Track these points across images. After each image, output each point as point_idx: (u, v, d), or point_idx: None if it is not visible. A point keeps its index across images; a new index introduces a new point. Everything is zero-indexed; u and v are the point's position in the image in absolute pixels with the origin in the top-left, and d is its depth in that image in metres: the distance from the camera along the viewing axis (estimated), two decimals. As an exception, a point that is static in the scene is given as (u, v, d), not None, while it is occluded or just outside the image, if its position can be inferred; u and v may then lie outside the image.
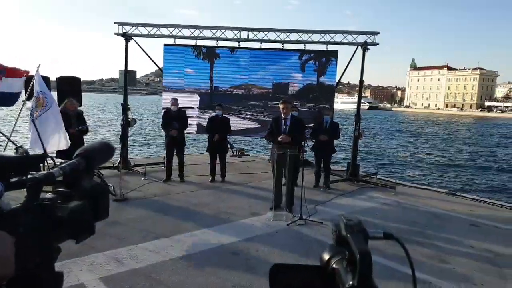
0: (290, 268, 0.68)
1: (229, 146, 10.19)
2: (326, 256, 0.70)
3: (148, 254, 4.57)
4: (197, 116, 10.04)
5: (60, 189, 0.80)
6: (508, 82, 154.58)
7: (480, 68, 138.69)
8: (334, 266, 0.66)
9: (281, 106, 6.54)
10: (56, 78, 8.43)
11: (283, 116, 6.49)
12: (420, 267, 4.45)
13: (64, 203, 0.77)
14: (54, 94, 8.20)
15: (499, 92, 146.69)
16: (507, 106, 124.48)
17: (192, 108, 9.95)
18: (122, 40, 9.33)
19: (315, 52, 9.78)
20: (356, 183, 8.93)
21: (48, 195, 0.79)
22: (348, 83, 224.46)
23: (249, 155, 12.83)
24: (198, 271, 4.16)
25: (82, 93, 9.02)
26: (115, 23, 9.26)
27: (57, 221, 0.73)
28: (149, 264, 4.29)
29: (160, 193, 7.40)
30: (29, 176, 0.74)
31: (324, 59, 9.76)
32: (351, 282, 0.58)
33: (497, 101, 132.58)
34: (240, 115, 10.12)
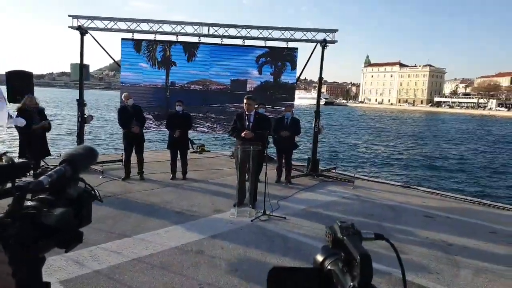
0: (287, 270, 0.69)
1: (189, 142, 10.08)
2: (320, 258, 0.72)
3: (110, 254, 4.45)
4: (150, 127, 9.86)
5: (42, 196, 0.77)
6: (455, 79, 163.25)
7: (430, 65, 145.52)
8: (329, 267, 0.69)
9: (244, 101, 6.56)
10: (6, 73, 7.96)
11: (246, 113, 6.51)
12: (379, 259, 4.61)
13: (49, 210, 0.75)
14: (3, 89, 7.76)
15: (447, 88, 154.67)
16: (454, 102, 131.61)
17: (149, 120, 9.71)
18: (74, 32, 8.93)
19: (273, 53, 9.82)
20: (316, 178, 9.12)
21: (30, 203, 0.76)
22: (305, 79, 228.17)
23: (209, 151, 12.76)
24: (163, 271, 4.11)
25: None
26: (69, 15, 8.87)
27: (45, 229, 0.70)
28: (111, 265, 4.18)
29: (119, 192, 7.21)
30: (16, 184, 0.71)
31: (280, 64, 9.84)
32: (351, 283, 0.60)
33: (445, 97, 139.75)
34: (198, 127, 10.01)
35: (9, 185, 0.73)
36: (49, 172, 0.75)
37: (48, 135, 7.61)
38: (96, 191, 0.84)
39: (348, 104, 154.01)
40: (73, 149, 0.84)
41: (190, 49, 9.80)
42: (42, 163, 6.84)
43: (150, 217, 5.84)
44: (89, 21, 9.00)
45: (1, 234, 0.64)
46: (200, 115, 9.94)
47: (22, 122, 6.52)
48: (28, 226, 0.68)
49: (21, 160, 0.75)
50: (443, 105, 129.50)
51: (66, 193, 0.77)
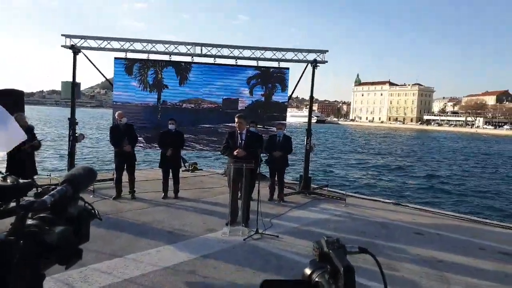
0: (278, 283, 0.74)
1: (181, 160, 10.08)
2: (308, 271, 0.76)
3: (100, 275, 4.41)
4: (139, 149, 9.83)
5: (43, 215, 0.81)
6: (443, 97, 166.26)
7: (419, 84, 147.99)
8: (316, 279, 0.73)
9: (235, 120, 6.63)
10: (-4, 91, 7.96)
11: (238, 131, 6.58)
12: (372, 276, 4.64)
13: (50, 229, 0.78)
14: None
15: (436, 106, 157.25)
16: (443, 120, 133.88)
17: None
18: (65, 50, 8.98)
19: (264, 74, 9.91)
20: (308, 196, 9.16)
21: (31, 221, 0.79)
22: (297, 97, 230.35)
23: (202, 169, 12.74)
24: (154, 291, 4.08)
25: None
26: (62, 35, 8.94)
27: (47, 247, 0.74)
28: (101, 286, 4.14)
29: (110, 211, 7.16)
30: (20, 203, 0.74)
31: (270, 85, 9.96)
32: (336, 294, 0.65)
33: (434, 115, 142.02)
34: (187, 148, 10.02)
35: (12, 204, 0.77)
36: (52, 192, 0.78)
37: (37, 154, 7.58)
38: (95, 210, 0.88)
39: (339, 122, 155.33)
40: (74, 170, 0.88)
41: (182, 72, 9.84)
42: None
43: (141, 237, 5.80)
44: (82, 40, 9.08)
45: (6, 251, 0.67)
46: (191, 136, 9.92)
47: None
48: (31, 244, 0.71)
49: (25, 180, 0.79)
50: (432, 123, 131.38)
51: (67, 212, 0.81)
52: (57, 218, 0.81)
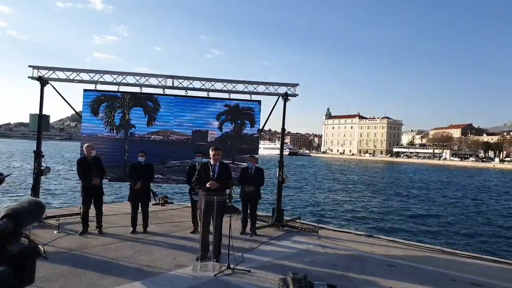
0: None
1: (151, 194, 9.80)
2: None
3: (61, 317, 4.14)
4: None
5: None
6: (411, 130, 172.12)
7: (387, 118, 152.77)
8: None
9: (212, 152, 6.54)
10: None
11: (212, 163, 6.50)
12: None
13: (-15, 270, 0.70)
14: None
15: (404, 139, 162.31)
16: (411, 152, 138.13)
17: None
18: (34, 82, 8.77)
19: (233, 111, 9.95)
20: (281, 228, 9.05)
21: (-35, 263, 0.70)
22: (270, 130, 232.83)
23: (172, 203, 12.46)
24: (119, 333, 3.84)
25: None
26: (29, 66, 8.75)
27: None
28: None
29: (75, 247, 6.83)
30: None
31: (239, 122, 10.01)
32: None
33: (403, 147, 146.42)
34: (157, 181, 9.79)
35: None
36: (-12, 229, 0.70)
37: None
38: (40, 247, 0.80)
39: (311, 154, 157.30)
40: (17, 203, 0.80)
41: (150, 113, 9.74)
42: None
43: (107, 274, 5.52)
44: (51, 71, 8.91)
45: None
46: (159, 176, 9.64)
47: None
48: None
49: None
50: (401, 155, 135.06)
51: (6, 250, 0.73)
52: None
